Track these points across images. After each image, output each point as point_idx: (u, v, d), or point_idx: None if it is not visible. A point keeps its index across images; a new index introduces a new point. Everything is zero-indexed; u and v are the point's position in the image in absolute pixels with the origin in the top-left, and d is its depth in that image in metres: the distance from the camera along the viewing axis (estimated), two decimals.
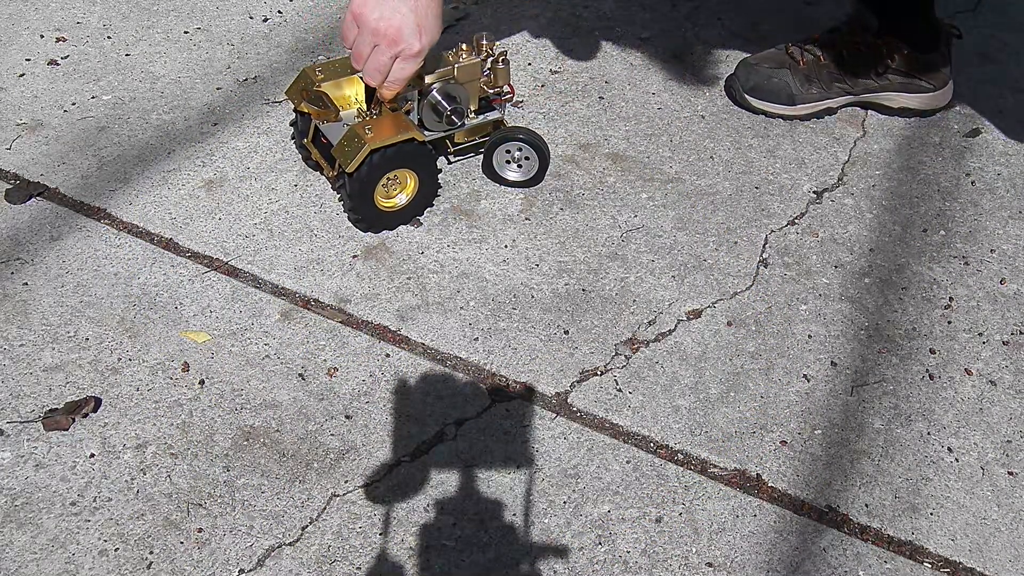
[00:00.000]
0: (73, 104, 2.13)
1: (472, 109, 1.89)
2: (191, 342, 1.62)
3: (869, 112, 2.21)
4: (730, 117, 2.18)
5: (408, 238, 1.84)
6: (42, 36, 2.33)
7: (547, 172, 1.92)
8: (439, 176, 1.89)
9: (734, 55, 2.38)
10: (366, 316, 1.69)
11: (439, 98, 1.81)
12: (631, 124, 2.15)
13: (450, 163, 1.99)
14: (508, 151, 1.90)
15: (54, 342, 1.61)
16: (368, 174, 1.74)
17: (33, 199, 1.88)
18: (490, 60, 1.86)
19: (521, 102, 2.19)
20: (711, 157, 2.07)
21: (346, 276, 1.76)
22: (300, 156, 1.97)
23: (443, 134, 1.88)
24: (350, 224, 1.85)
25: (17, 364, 1.57)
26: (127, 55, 2.29)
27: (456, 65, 1.80)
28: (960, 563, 1.38)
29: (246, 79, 2.23)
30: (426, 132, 1.85)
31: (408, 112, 1.82)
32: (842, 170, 2.05)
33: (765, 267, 1.82)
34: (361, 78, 1.78)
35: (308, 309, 1.70)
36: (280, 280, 1.75)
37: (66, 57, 2.27)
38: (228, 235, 1.83)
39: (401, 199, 1.83)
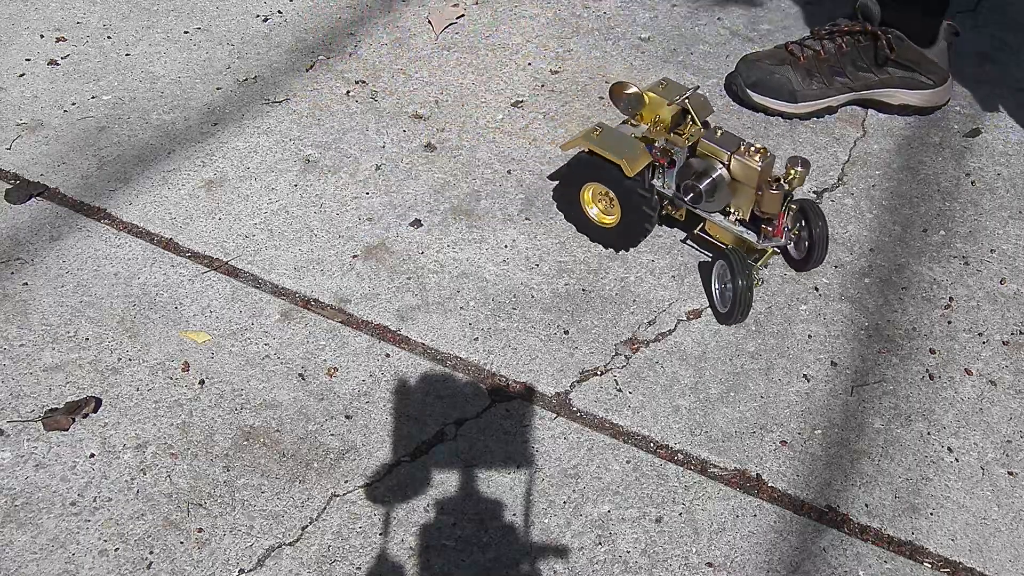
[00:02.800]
0: (73, 104, 2.13)
1: (739, 214, 1.70)
2: (191, 342, 1.62)
3: (869, 112, 2.21)
4: (730, 117, 2.18)
5: (408, 238, 1.84)
6: (42, 36, 2.33)
7: (730, 320, 1.68)
8: (647, 230, 1.76)
9: (734, 54, 2.38)
10: (366, 316, 1.69)
11: (695, 167, 1.68)
12: None
13: (683, 241, 1.83)
14: (723, 273, 1.68)
15: (54, 342, 1.61)
16: (572, 167, 1.75)
17: (33, 199, 1.88)
18: (768, 179, 1.63)
19: (521, 102, 2.19)
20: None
21: (346, 276, 1.76)
22: None
23: (670, 193, 1.75)
24: (352, 223, 1.86)
25: (17, 364, 1.57)
26: (127, 55, 2.29)
27: (734, 154, 1.64)
28: (960, 563, 1.38)
29: (246, 79, 2.23)
30: (665, 185, 1.75)
31: (670, 161, 1.71)
32: (842, 170, 2.05)
33: (765, 267, 1.81)
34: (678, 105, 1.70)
35: (308, 309, 1.70)
36: (280, 280, 1.75)
37: (66, 57, 2.27)
38: (228, 235, 1.83)
39: (594, 212, 1.79)
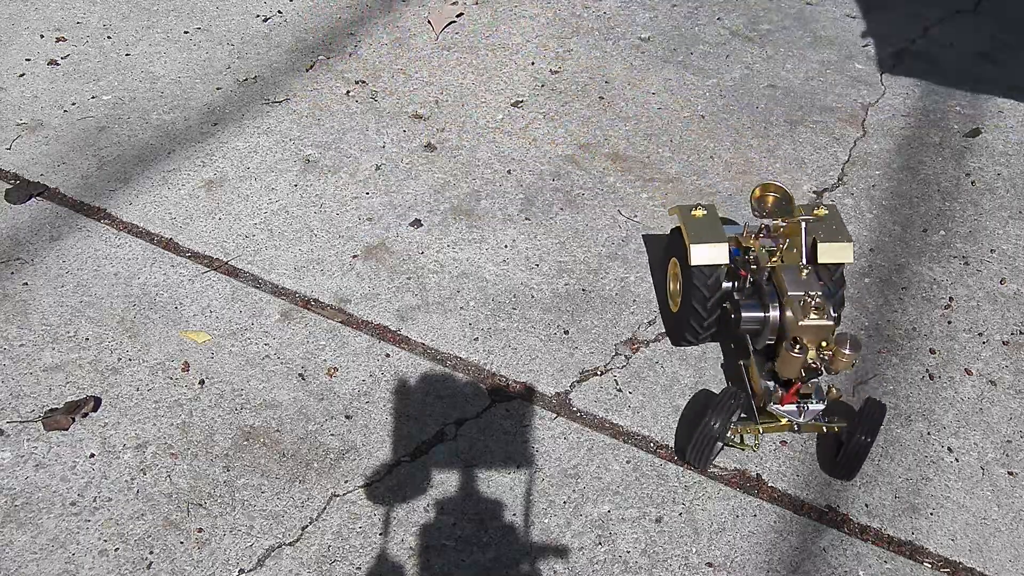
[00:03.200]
0: (73, 104, 2.13)
1: (786, 376, 1.42)
2: (191, 342, 1.62)
3: (869, 112, 2.21)
4: (730, 117, 2.18)
5: (408, 238, 1.84)
6: (42, 36, 2.33)
7: (682, 457, 1.49)
8: (694, 330, 1.56)
9: (734, 54, 2.38)
10: (366, 316, 1.69)
11: (760, 291, 1.46)
12: (631, 124, 2.15)
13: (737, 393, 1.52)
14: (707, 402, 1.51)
15: (54, 342, 1.61)
16: (671, 236, 1.63)
17: (33, 199, 1.88)
18: (804, 340, 1.39)
19: (521, 102, 2.19)
20: (711, 157, 2.07)
21: (346, 276, 1.76)
22: None
23: (718, 303, 1.52)
24: (352, 223, 1.86)
25: (17, 364, 1.57)
26: (127, 55, 2.29)
27: (791, 295, 1.41)
28: (960, 563, 1.38)
29: (246, 79, 2.23)
30: (733, 324, 1.48)
31: (751, 276, 1.49)
32: (842, 170, 2.05)
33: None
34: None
35: (308, 309, 1.70)
36: (280, 280, 1.75)
37: (66, 57, 2.27)
38: (228, 235, 1.83)
39: (670, 286, 1.66)
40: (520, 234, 1.86)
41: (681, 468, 1.48)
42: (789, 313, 1.41)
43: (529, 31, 2.43)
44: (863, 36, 2.48)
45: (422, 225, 1.87)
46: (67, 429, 1.47)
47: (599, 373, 1.61)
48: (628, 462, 1.48)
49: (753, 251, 1.50)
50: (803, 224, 1.50)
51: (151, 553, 1.34)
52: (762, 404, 1.46)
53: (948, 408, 1.59)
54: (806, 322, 1.38)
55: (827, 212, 1.54)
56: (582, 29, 2.44)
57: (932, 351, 1.68)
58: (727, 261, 1.50)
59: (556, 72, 2.29)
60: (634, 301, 1.73)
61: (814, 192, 1.99)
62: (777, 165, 2.05)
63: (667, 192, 1.96)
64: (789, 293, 1.42)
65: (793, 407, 1.44)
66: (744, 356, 1.53)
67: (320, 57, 2.31)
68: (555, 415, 1.54)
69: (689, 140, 2.11)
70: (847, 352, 1.35)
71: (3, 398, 1.52)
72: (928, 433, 1.55)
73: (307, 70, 2.26)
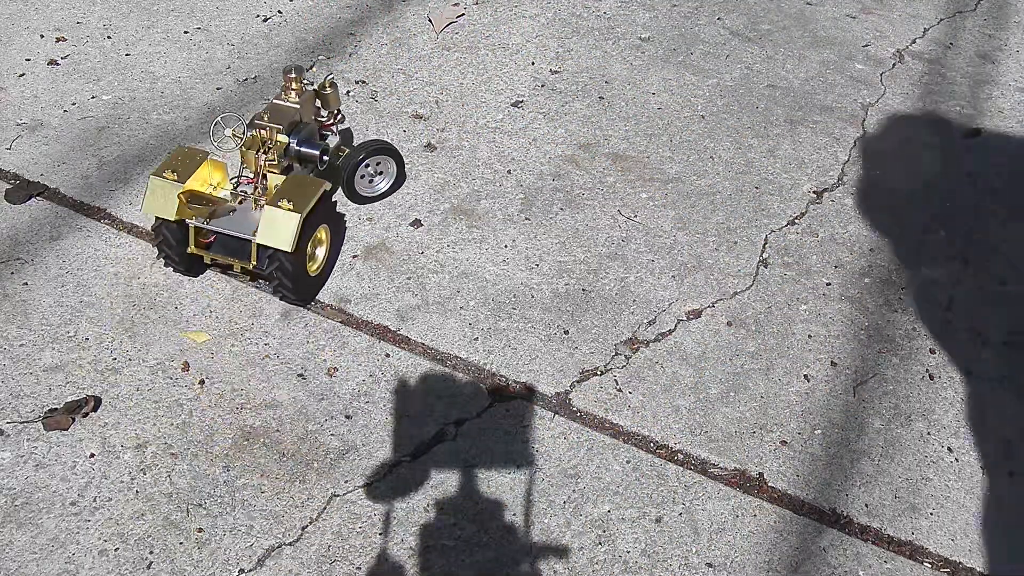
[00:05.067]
0: (73, 104, 2.13)
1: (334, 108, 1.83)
2: (191, 342, 1.62)
3: (869, 112, 2.21)
4: (730, 117, 2.18)
5: (408, 238, 1.84)
6: (42, 36, 2.33)
7: (402, 180, 1.85)
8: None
9: (734, 54, 2.38)
10: (366, 316, 1.69)
11: (309, 150, 1.73)
12: (631, 124, 2.15)
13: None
14: (362, 175, 1.85)
15: (54, 342, 1.61)
16: (303, 244, 1.61)
17: (33, 199, 1.88)
18: (306, 91, 1.74)
19: (521, 102, 2.19)
20: (711, 157, 2.07)
21: (346, 276, 1.76)
22: (176, 271, 1.72)
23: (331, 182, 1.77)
24: (353, 223, 1.85)
25: (17, 364, 1.57)
26: (127, 55, 2.29)
27: (300, 107, 1.72)
28: (960, 563, 1.38)
29: (246, 79, 2.23)
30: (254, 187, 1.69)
31: (289, 170, 1.72)
32: (842, 170, 2.05)
33: (765, 267, 1.82)
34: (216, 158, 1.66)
35: (308, 309, 1.70)
36: None
37: (66, 57, 2.27)
38: None
39: (319, 253, 1.72)
40: (520, 234, 1.86)
41: (681, 468, 1.48)
42: (295, 105, 1.74)
43: (529, 31, 2.43)
44: (863, 36, 2.49)
45: (422, 225, 1.87)
46: (67, 429, 1.47)
47: (599, 373, 1.61)
48: (628, 462, 1.48)
49: (262, 162, 1.68)
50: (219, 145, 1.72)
51: (151, 553, 1.34)
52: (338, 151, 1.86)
53: (948, 408, 1.59)
54: (290, 102, 1.73)
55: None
56: (582, 29, 2.44)
57: (932, 351, 1.68)
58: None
59: (556, 72, 2.29)
60: (634, 301, 1.74)
61: (814, 192, 1.99)
62: (777, 165, 2.05)
63: (667, 192, 1.97)
64: (292, 109, 1.73)
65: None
66: (330, 176, 1.78)
67: (320, 57, 2.31)
68: (555, 415, 1.54)
69: (689, 140, 2.11)
70: (294, 74, 1.74)
71: (3, 398, 1.52)
72: (928, 433, 1.55)
73: (307, 70, 2.26)
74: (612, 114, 2.17)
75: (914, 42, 2.47)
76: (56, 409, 1.50)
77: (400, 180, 1.91)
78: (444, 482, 1.44)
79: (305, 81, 1.74)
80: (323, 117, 1.82)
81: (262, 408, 1.53)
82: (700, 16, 2.52)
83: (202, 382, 1.56)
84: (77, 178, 1.93)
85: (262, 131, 1.70)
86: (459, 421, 1.52)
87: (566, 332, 1.68)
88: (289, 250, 1.55)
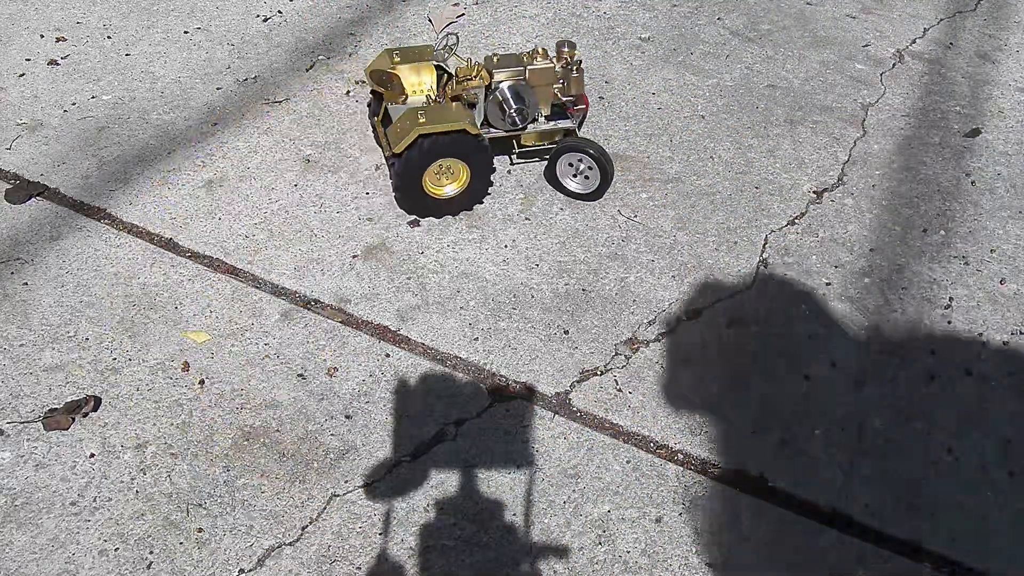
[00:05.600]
0: (73, 104, 2.13)
1: (543, 114, 1.89)
2: (191, 342, 1.62)
3: (869, 112, 2.21)
4: (730, 117, 2.18)
5: (408, 238, 1.84)
6: (42, 36, 2.33)
7: (605, 189, 1.90)
8: (493, 175, 1.87)
9: (734, 54, 2.38)
10: (366, 316, 1.69)
11: (507, 96, 1.82)
12: (631, 124, 2.15)
13: (512, 164, 2.00)
14: (571, 163, 1.88)
15: (54, 342, 1.61)
16: (417, 158, 1.77)
17: (33, 199, 1.88)
18: (565, 67, 1.84)
19: None
20: (711, 157, 2.07)
21: (346, 276, 1.76)
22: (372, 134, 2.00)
23: (505, 134, 1.87)
24: (352, 223, 1.86)
25: (17, 364, 1.57)
26: (127, 55, 2.29)
27: (529, 67, 1.81)
28: (960, 563, 1.38)
29: (246, 79, 2.23)
30: (490, 129, 1.87)
31: (473, 105, 1.82)
32: (842, 170, 2.05)
33: (765, 267, 1.81)
34: (434, 64, 1.84)
35: (308, 309, 1.70)
36: (280, 280, 1.75)
37: (66, 57, 2.27)
38: (228, 235, 1.83)
39: (449, 190, 1.84)
40: (520, 234, 1.86)
41: (681, 468, 1.48)
42: (535, 74, 1.82)
43: (529, 31, 2.43)
44: (863, 36, 2.49)
45: (421, 225, 1.87)
46: (67, 429, 1.47)
47: (599, 373, 1.61)
48: (628, 462, 1.48)
49: (465, 89, 1.80)
50: (444, 53, 1.86)
51: (151, 553, 1.34)
52: (565, 135, 1.93)
53: (948, 408, 1.59)
54: (549, 61, 1.83)
55: (401, 49, 1.88)
56: (582, 29, 2.44)
57: (932, 351, 1.68)
58: (471, 113, 1.82)
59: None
60: (634, 301, 1.74)
61: (814, 192, 1.99)
62: (777, 165, 2.05)
63: (667, 192, 1.96)
64: (523, 67, 1.82)
65: (586, 106, 1.96)
66: (511, 148, 1.95)
67: (320, 57, 2.31)
68: (555, 415, 1.54)
69: (689, 140, 2.11)
70: (567, 49, 1.83)
71: (3, 398, 1.52)
72: (928, 433, 1.55)
73: (307, 70, 2.26)
74: (612, 114, 2.17)
75: (914, 42, 2.47)
76: (56, 409, 1.50)
77: (593, 195, 1.91)
78: (444, 482, 1.44)
79: (571, 59, 1.81)
80: (563, 99, 1.87)
81: (262, 408, 1.53)
82: (700, 16, 2.52)
83: (202, 382, 1.56)
84: (77, 178, 1.93)
85: (479, 63, 1.83)
86: (459, 421, 1.52)
87: (566, 332, 1.68)
88: (396, 152, 1.74)
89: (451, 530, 1.38)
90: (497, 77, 1.80)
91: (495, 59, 1.81)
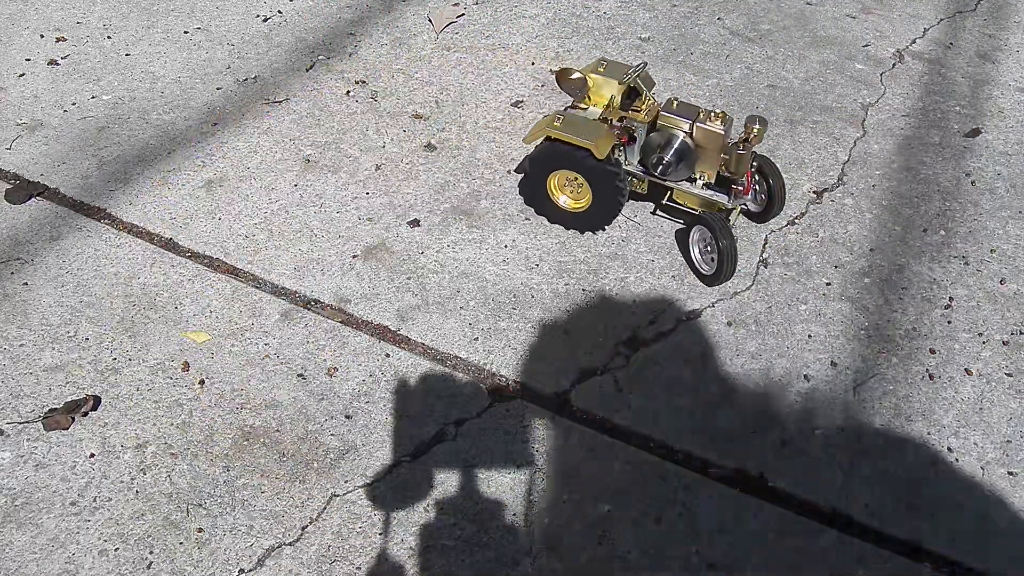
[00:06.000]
0: (73, 104, 2.13)
1: (705, 179, 1.77)
2: (191, 342, 1.62)
3: (869, 112, 2.21)
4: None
5: (408, 238, 1.84)
6: (42, 36, 2.33)
7: (719, 280, 1.75)
8: (619, 209, 1.80)
9: (734, 54, 2.38)
10: (366, 316, 1.69)
11: (659, 141, 1.74)
12: None
13: (653, 213, 1.91)
14: (703, 237, 1.76)
15: (54, 342, 1.61)
16: (540, 158, 1.78)
17: (33, 199, 1.88)
18: (737, 143, 1.68)
19: (521, 102, 2.19)
20: None
21: (346, 276, 1.76)
22: None
23: (643, 175, 1.80)
24: (352, 223, 1.86)
25: (17, 364, 1.57)
26: (127, 55, 2.29)
27: (697, 123, 1.70)
28: (960, 563, 1.38)
29: (246, 79, 2.23)
30: (636, 166, 1.80)
31: (634, 139, 1.77)
32: (842, 170, 2.05)
33: (765, 267, 1.81)
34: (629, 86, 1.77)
35: (308, 309, 1.70)
36: (280, 280, 1.75)
37: (66, 57, 2.27)
38: (228, 235, 1.83)
39: (564, 201, 1.82)
40: (520, 234, 1.86)
41: (681, 468, 1.48)
42: (703, 132, 1.69)
43: (529, 31, 2.43)
44: (863, 36, 2.49)
45: (421, 225, 1.87)
46: (67, 429, 1.47)
47: (599, 373, 1.61)
48: (628, 462, 1.48)
49: (627, 118, 1.75)
50: (636, 77, 1.78)
51: (151, 553, 1.34)
52: (716, 209, 1.77)
53: (948, 408, 1.59)
54: (725, 126, 1.69)
55: (608, 63, 1.81)
56: (582, 29, 2.44)
57: (932, 351, 1.68)
58: (616, 140, 1.75)
59: (556, 72, 2.29)
60: (634, 301, 1.73)
61: (814, 192, 1.99)
62: (777, 165, 2.05)
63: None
64: (691, 120, 1.70)
65: (748, 196, 1.80)
66: (662, 196, 1.84)
67: (320, 57, 2.31)
68: (555, 415, 1.54)
69: None
70: (759, 127, 1.66)
71: (3, 398, 1.52)
72: (928, 433, 1.55)
73: (307, 70, 2.26)
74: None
75: (914, 42, 2.47)
76: (56, 409, 1.50)
77: (705, 279, 1.77)
78: (444, 482, 1.44)
79: (748, 135, 1.67)
80: (727, 173, 1.74)
81: (262, 408, 1.53)
82: (700, 16, 2.52)
83: (202, 382, 1.56)
84: (77, 178, 1.93)
85: (654, 100, 1.78)
86: (459, 421, 1.52)
87: (566, 332, 1.68)
88: (525, 141, 1.78)
89: (451, 530, 1.38)
90: (662, 119, 1.73)
91: (674, 103, 1.73)
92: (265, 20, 2.43)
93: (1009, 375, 1.65)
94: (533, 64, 2.31)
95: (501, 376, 1.60)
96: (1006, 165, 2.09)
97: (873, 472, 1.49)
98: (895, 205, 1.98)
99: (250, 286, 1.73)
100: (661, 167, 1.73)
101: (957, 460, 1.51)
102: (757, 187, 1.82)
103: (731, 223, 1.75)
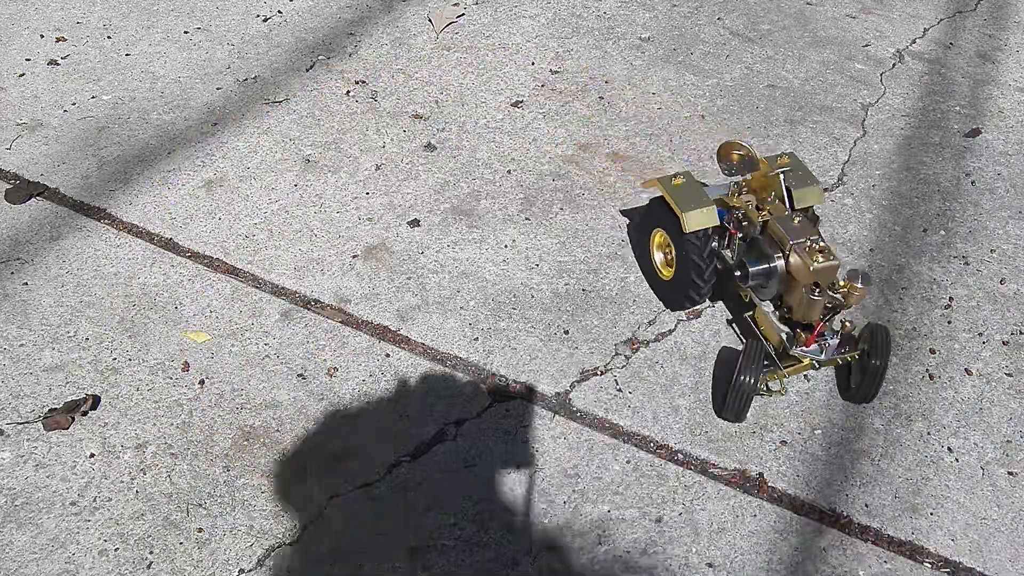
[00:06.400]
0: (73, 104, 2.13)
1: (786, 311, 1.54)
2: (191, 342, 1.62)
3: (869, 112, 2.21)
4: (730, 117, 2.18)
5: (408, 238, 1.84)
6: (42, 36, 2.33)
7: (720, 414, 1.55)
8: (693, 297, 1.64)
9: (734, 54, 2.38)
10: (366, 316, 1.69)
11: (750, 250, 1.56)
12: (631, 124, 2.15)
13: (730, 323, 1.69)
14: (728, 358, 1.61)
15: (54, 342, 1.61)
16: (648, 207, 1.69)
17: (33, 199, 1.88)
18: (823, 291, 1.45)
19: (521, 102, 2.19)
20: (711, 157, 2.06)
21: (346, 276, 1.76)
22: None
23: (714, 264, 1.61)
24: (352, 223, 1.86)
25: (17, 364, 1.57)
26: (127, 55, 2.29)
27: (793, 248, 1.48)
28: (960, 563, 1.38)
29: (246, 79, 2.23)
30: (727, 255, 1.62)
31: (741, 232, 1.58)
32: (842, 170, 2.05)
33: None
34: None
35: (308, 309, 1.70)
36: (280, 280, 1.75)
37: (66, 57, 2.27)
38: (228, 235, 1.83)
39: (659, 258, 1.71)
40: (520, 234, 1.86)
41: (681, 468, 1.48)
42: (796, 260, 1.49)
43: (529, 31, 2.43)
44: (863, 36, 2.49)
45: (422, 225, 1.87)
46: (67, 429, 1.47)
47: (599, 373, 1.61)
48: (628, 462, 1.48)
49: (741, 209, 1.58)
50: (780, 176, 1.59)
51: (151, 553, 1.34)
52: (781, 350, 1.53)
53: (948, 408, 1.59)
54: (817, 266, 1.45)
55: (790, 160, 1.63)
56: (582, 29, 2.44)
57: (932, 351, 1.68)
58: (717, 223, 1.59)
59: (556, 72, 2.29)
60: (634, 301, 1.73)
61: None
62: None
63: None
64: (792, 241, 1.49)
65: (815, 347, 1.52)
66: (748, 308, 1.63)
67: (320, 57, 2.31)
68: (555, 415, 1.54)
69: (689, 140, 2.11)
70: (860, 286, 1.44)
71: (3, 398, 1.52)
72: (928, 433, 1.55)
73: (307, 70, 2.26)
74: (612, 114, 2.17)
75: (914, 42, 2.47)
76: (56, 409, 1.50)
77: (718, 409, 1.56)
78: (444, 482, 1.44)
79: (841, 290, 1.45)
80: (798, 319, 1.52)
81: (262, 408, 1.53)
82: (700, 16, 2.52)
83: (202, 382, 1.56)
84: (77, 178, 1.93)
85: (768, 206, 1.57)
86: (459, 421, 1.52)
87: (566, 332, 1.68)
88: (641, 185, 1.67)
89: (451, 530, 1.38)
90: (771, 228, 1.53)
91: (795, 219, 1.52)
92: (265, 20, 2.43)
93: (1009, 375, 1.65)
94: (533, 64, 2.31)
95: (501, 376, 1.60)
96: (1006, 165, 2.09)
97: (873, 472, 1.49)
98: (895, 205, 1.98)
99: (250, 286, 1.73)
100: (739, 274, 1.56)
101: (957, 460, 1.51)
102: (856, 357, 1.53)
103: (789, 374, 1.52)
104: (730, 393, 1.47)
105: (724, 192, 1.64)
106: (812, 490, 1.46)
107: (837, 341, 1.52)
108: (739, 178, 1.63)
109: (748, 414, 1.53)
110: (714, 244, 1.62)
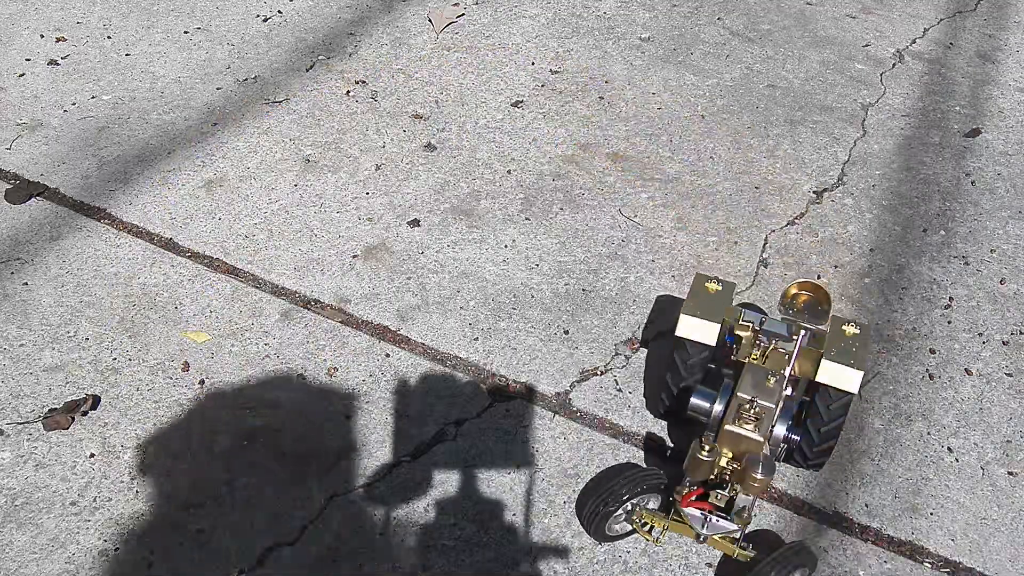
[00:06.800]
0: (73, 104, 2.13)
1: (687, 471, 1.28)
2: (191, 342, 1.62)
3: (869, 112, 2.21)
4: (730, 117, 2.18)
5: (408, 238, 1.84)
6: (42, 36, 2.33)
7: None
8: (661, 399, 1.47)
9: (734, 54, 2.38)
10: (366, 316, 1.69)
11: (693, 399, 1.36)
12: (631, 124, 2.15)
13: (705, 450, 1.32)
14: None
15: (54, 342, 1.61)
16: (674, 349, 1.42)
17: (33, 199, 1.88)
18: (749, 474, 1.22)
19: (521, 102, 2.19)
20: (711, 157, 2.07)
21: (346, 276, 1.76)
22: None
23: (695, 379, 1.41)
24: (352, 223, 1.86)
25: (17, 364, 1.57)
26: (127, 55, 2.29)
27: (729, 407, 1.29)
28: (960, 563, 1.38)
29: (246, 79, 2.23)
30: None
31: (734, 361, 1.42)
32: (842, 170, 2.06)
33: (765, 267, 1.81)
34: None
35: (308, 309, 1.70)
36: (280, 280, 1.75)
37: (66, 57, 2.27)
38: (228, 235, 1.83)
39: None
40: (520, 234, 1.86)
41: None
42: (732, 427, 1.27)
43: (529, 31, 2.43)
44: (863, 36, 2.49)
45: (422, 225, 1.87)
46: (67, 428, 1.47)
47: (599, 373, 1.61)
48: (628, 462, 1.48)
49: (739, 344, 1.42)
50: (804, 332, 1.38)
51: (151, 553, 1.33)
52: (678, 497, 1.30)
53: (948, 408, 1.59)
54: (730, 427, 1.27)
55: (857, 331, 1.37)
56: (582, 29, 2.44)
57: (932, 351, 1.68)
58: (713, 343, 1.38)
59: (556, 72, 2.29)
60: (634, 301, 1.74)
61: (814, 192, 1.99)
62: (777, 165, 2.05)
63: (667, 192, 1.96)
64: (738, 393, 1.29)
65: (697, 512, 1.28)
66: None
67: (320, 57, 2.31)
68: (555, 415, 1.54)
69: (689, 140, 2.11)
70: (756, 475, 1.20)
71: (3, 398, 1.52)
72: (928, 433, 1.55)
73: (307, 70, 2.26)
74: (612, 114, 2.17)
75: (914, 42, 2.47)
76: (56, 409, 1.50)
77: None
78: (444, 482, 1.44)
79: (753, 475, 1.22)
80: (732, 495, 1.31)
81: (262, 408, 1.53)
82: (700, 16, 2.52)
83: (202, 382, 1.56)
84: (77, 178, 1.93)
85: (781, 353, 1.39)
86: (459, 421, 1.52)
87: (566, 332, 1.68)
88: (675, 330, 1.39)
89: (451, 530, 1.38)
90: (749, 368, 1.35)
91: (770, 381, 1.32)
92: (265, 20, 2.43)
93: (1009, 375, 1.65)
94: (533, 64, 2.31)
95: (501, 376, 1.60)
96: (1006, 165, 2.09)
97: (873, 472, 1.49)
98: (895, 205, 1.98)
99: (250, 286, 1.73)
100: (704, 424, 1.36)
101: (957, 460, 1.51)
102: (732, 541, 1.31)
103: (663, 519, 1.32)
104: (596, 497, 1.30)
105: (781, 330, 1.41)
106: (812, 490, 1.46)
107: (733, 527, 1.27)
108: (791, 321, 1.41)
109: (611, 540, 1.35)
110: (705, 360, 1.41)
